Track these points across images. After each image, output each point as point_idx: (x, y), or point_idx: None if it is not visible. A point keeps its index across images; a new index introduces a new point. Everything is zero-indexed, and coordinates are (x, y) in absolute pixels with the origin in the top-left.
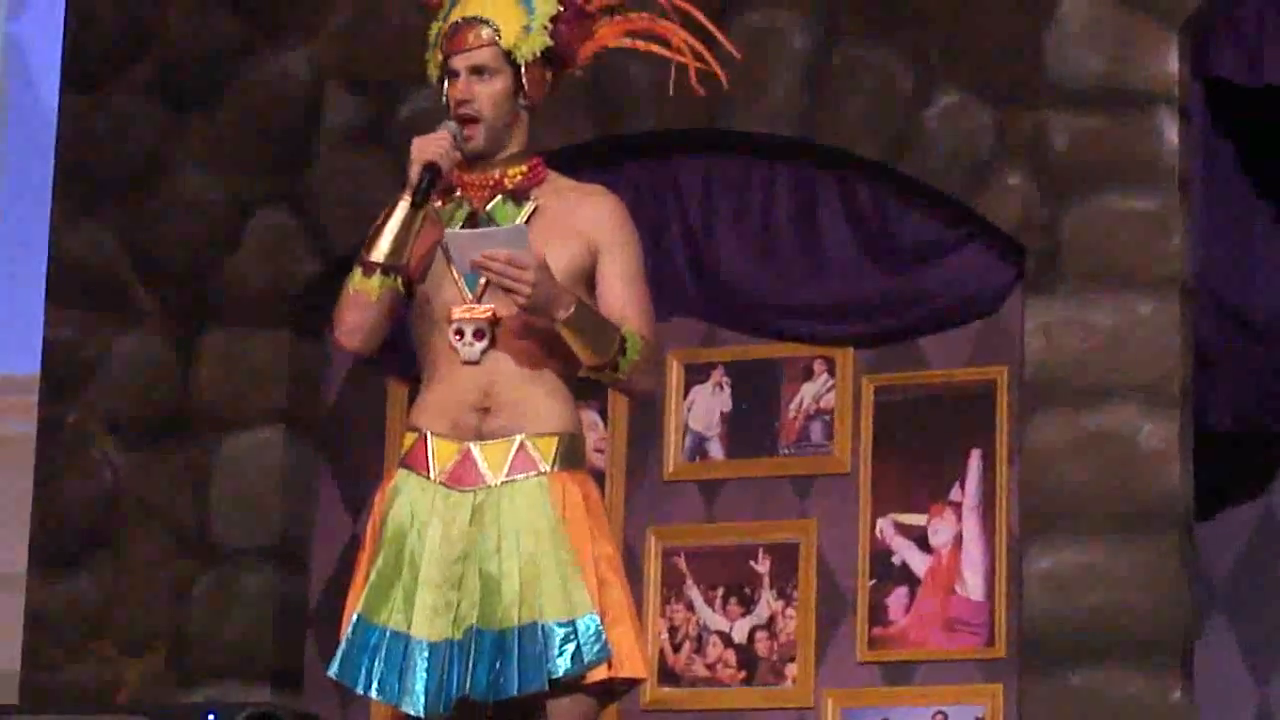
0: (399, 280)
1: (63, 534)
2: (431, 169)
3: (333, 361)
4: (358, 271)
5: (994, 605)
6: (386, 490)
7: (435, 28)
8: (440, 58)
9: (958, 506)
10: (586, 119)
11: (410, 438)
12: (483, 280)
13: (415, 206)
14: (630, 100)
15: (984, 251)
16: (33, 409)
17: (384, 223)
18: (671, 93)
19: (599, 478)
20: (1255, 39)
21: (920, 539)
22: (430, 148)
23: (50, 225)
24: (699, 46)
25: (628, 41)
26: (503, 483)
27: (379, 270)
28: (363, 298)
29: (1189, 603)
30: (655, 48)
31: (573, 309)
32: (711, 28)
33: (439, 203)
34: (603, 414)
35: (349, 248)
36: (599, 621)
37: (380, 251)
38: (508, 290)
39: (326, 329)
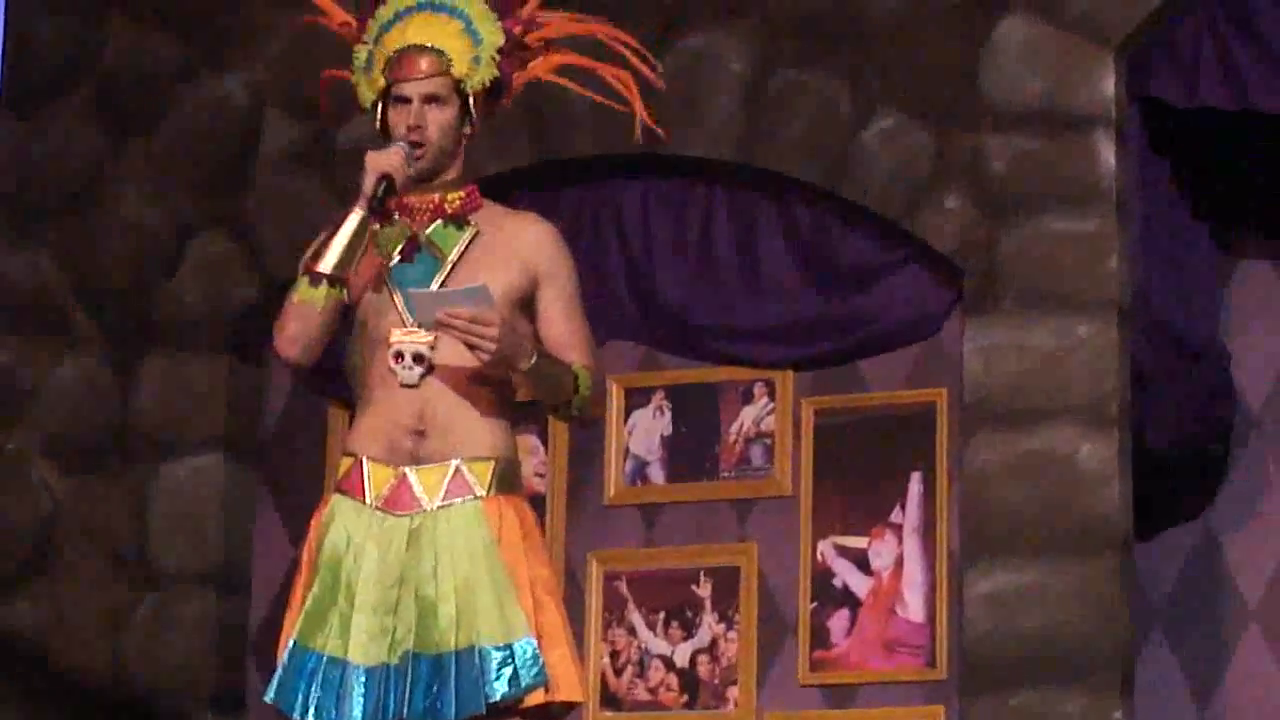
0: (344, 291)
1: (2, 559)
2: (386, 179)
3: (272, 386)
4: (304, 281)
5: (935, 627)
6: (322, 515)
7: (363, 51)
8: (383, 82)
9: (898, 528)
10: (525, 143)
11: (345, 462)
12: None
13: (372, 213)
14: (569, 124)
15: (923, 274)
16: None
17: (333, 234)
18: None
19: (540, 502)
20: (1191, 61)
21: (861, 561)
22: (385, 160)
23: None
24: (633, 86)
25: (562, 80)
26: (439, 507)
27: (325, 281)
28: (308, 308)
29: (1129, 623)
30: (577, 86)
31: (534, 359)
32: (638, 66)
33: (377, 225)
34: (543, 438)
35: (288, 272)
36: (535, 645)
37: (328, 262)
38: (472, 347)
39: (266, 353)
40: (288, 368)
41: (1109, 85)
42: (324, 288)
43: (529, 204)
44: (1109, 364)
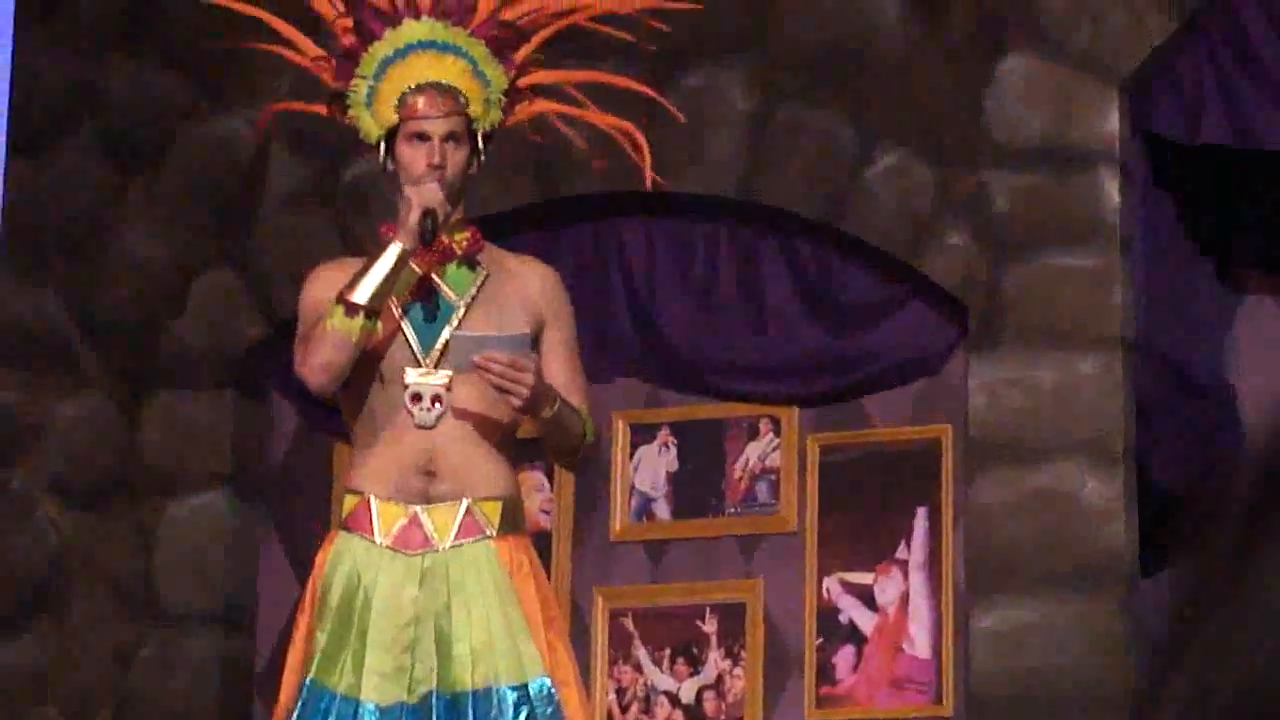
0: (378, 324)
1: (7, 597)
2: (432, 215)
3: (277, 423)
4: (339, 310)
5: (941, 663)
6: (328, 553)
7: (363, 85)
8: (395, 119)
9: (904, 564)
10: (528, 181)
11: (351, 500)
12: (439, 346)
13: (426, 245)
14: (571, 162)
15: (926, 310)
16: None
17: (370, 266)
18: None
19: (545, 538)
20: (1194, 97)
21: (867, 597)
22: (429, 195)
23: None
24: (628, 127)
25: (559, 125)
26: (451, 547)
27: (362, 312)
28: (341, 337)
29: (1134, 660)
30: (563, 125)
31: (556, 406)
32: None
33: (439, 263)
34: (549, 475)
35: (293, 310)
36: (550, 683)
37: (365, 293)
38: (505, 392)
39: (271, 389)
40: (312, 392)
41: (1112, 121)
42: (360, 319)
43: (533, 242)
44: (1113, 400)
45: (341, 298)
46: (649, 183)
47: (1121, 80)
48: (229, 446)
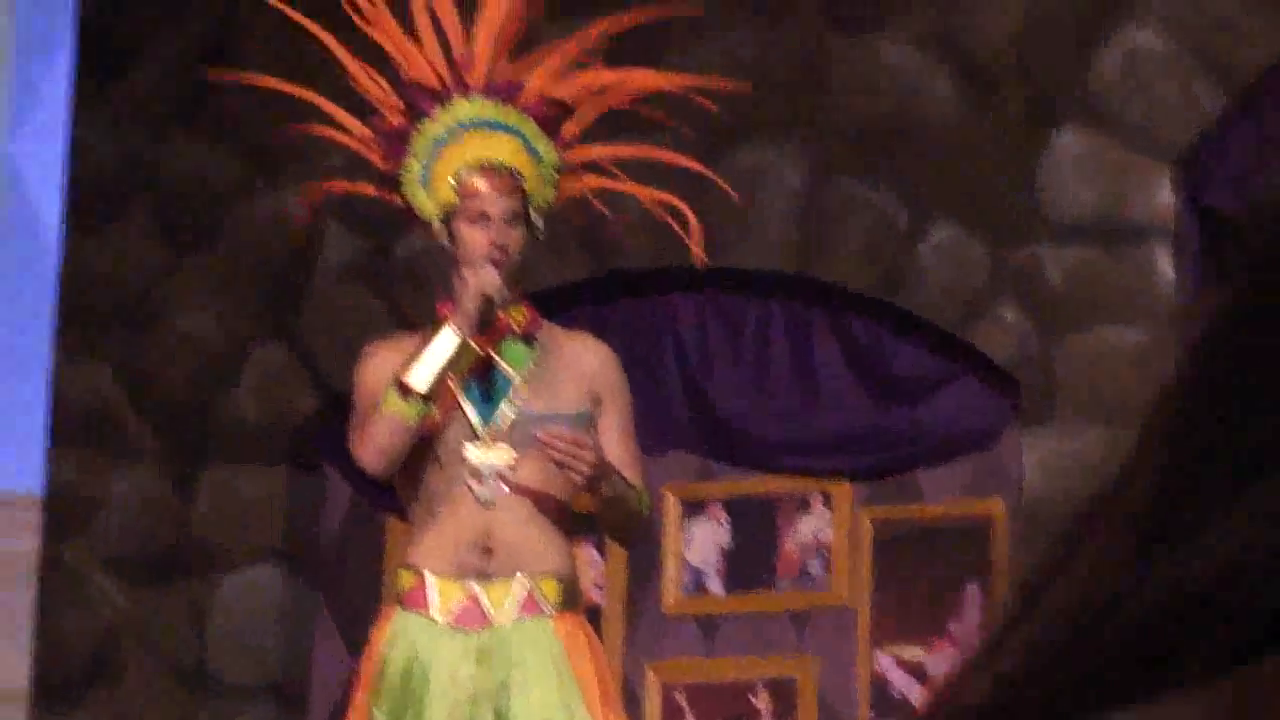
0: (433, 407)
1: (63, 670)
2: (489, 301)
3: (329, 497)
4: (394, 395)
5: None
6: (384, 631)
7: (416, 165)
8: (454, 199)
9: (957, 640)
10: (581, 256)
11: (408, 577)
12: (496, 421)
13: (480, 332)
14: (623, 237)
15: (979, 385)
16: (32, 527)
17: (425, 349)
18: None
19: (597, 612)
20: (1245, 170)
21: (919, 673)
22: (486, 281)
23: (53, 364)
24: (674, 202)
25: (595, 195)
26: (509, 624)
27: (418, 397)
28: (399, 422)
29: None
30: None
31: (614, 482)
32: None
33: (487, 345)
34: (599, 548)
35: (345, 384)
36: None
37: (421, 379)
38: (566, 467)
39: (323, 464)
40: (369, 475)
41: (1165, 195)
42: (416, 404)
43: (586, 317)
44: None
45: (397, 381)
46: (697, 260)
47: (1174, 154)
48: (282, 520)
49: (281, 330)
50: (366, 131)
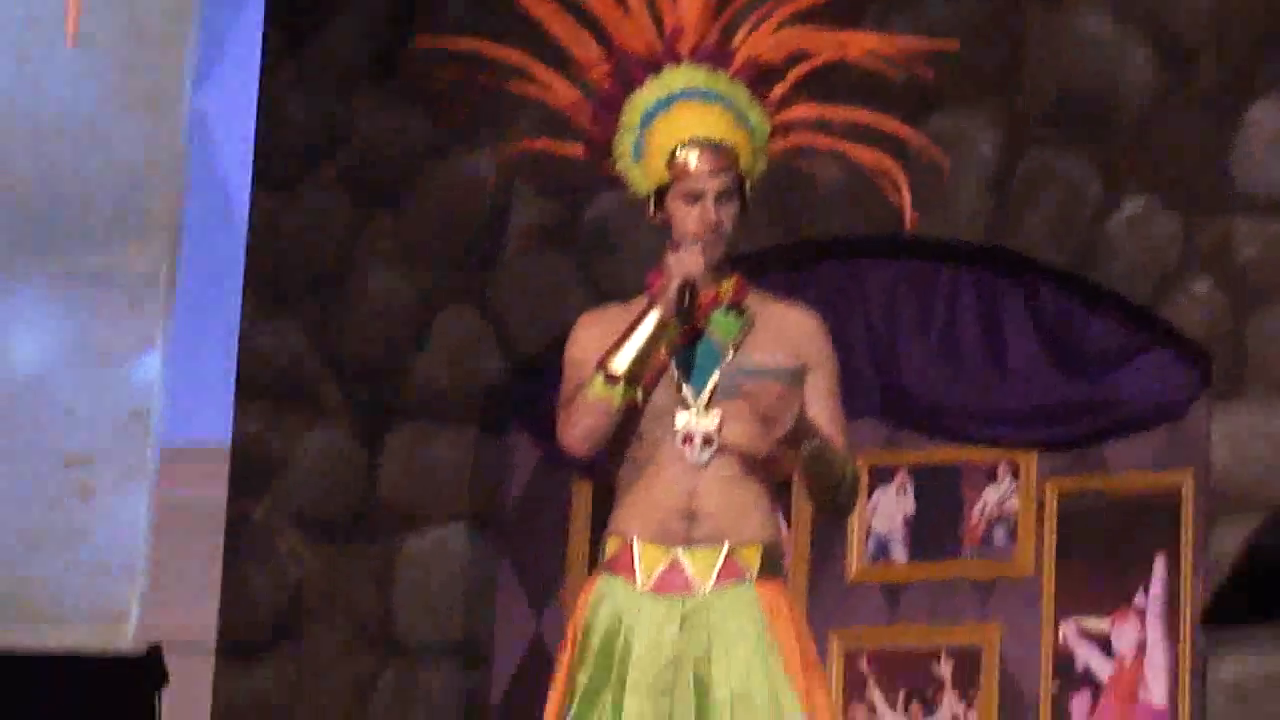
0: (639, 392)
1: (249, 626)
2: (691, 285)
3: (516, 459)
4: (598, 379)
5: (1177, 713)
6: (589, 595)
7: (629, 138)
8: (665, 175)
9: (1142, 612)
10: (773, 223)
11: (614, 542)
12: (708, 390)
13: (683, 321)
14: (817, 204)
15: (1170, 358)
16: (222, 477)
17: (630, 333)
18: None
19: None
20: None
21: (1103, 644)
22: (688, 265)
23: (241, 320)
24: (890, 165)
25: (808, 154)
26: (711, 591)
27: (623, 381)
28: (603, 405)
29: None
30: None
31: (817, 441)
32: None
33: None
34: (785, 516)
35: (534, 347)
36: None
37: (625, 363)
38: (769, 418)
39: (511, 427)
40: (575, 459)
41: None
42: (621, 387)
43: (776, 283)
44: None
45: (602, 366)
46: (908, 222)
47: None
48: (468, 482)
49: (471, 293)
50: (576, 94)
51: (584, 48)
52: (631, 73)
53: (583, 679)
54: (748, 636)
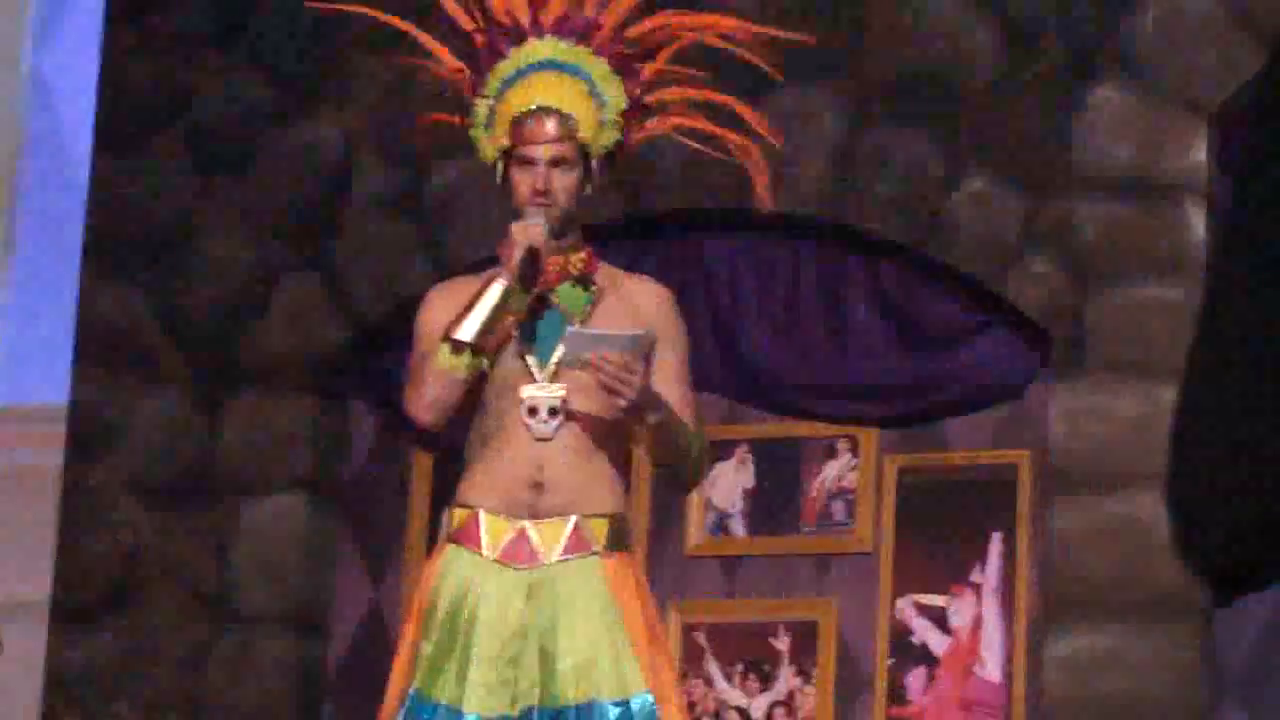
0: (485, 360)
1: (84, 592)
2: (533, 253)
3: (356, 429)
4: (445, 349)
5: (1012, 688)
6: (436, 565)
7: (484, 105)
8: (506, 142)
9: (978, 588)
10: (615, 196)
11: (460, 513)
12: (554, 360)
13: (525, 290)
14: (658, 178)
15: (1010, 337)
16: (57, 439)
17: (475, 303)
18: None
19: None
20: None
21: (940, 619)
22: (529, 232)
23: (80, 284)
24: (752, 148)
25: (673, 133)
26: (557, 562)
27: (469, 349)
28: (449, 375)
29: (1206, 691)
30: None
31: (662, 413)
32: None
33: (528, 296)
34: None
35: (376, 315)
36: (652, 700)
37: (471, 331)
38: (611, 392)
39: (351, 395)
40: (421, 428)
41: (1200, 154)
42: (466, 356)
43: (617, 255)
44: None
45: (448, 335)
46: (767, 202)
47: (1210, 113)
48: (307, 450)
49: (312, 259)
50: (458, 64)
51: (465, 16)
52: (498, 45)
53: (428, 649)
54: (593, 609)
